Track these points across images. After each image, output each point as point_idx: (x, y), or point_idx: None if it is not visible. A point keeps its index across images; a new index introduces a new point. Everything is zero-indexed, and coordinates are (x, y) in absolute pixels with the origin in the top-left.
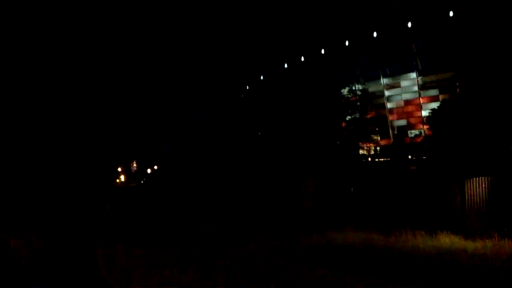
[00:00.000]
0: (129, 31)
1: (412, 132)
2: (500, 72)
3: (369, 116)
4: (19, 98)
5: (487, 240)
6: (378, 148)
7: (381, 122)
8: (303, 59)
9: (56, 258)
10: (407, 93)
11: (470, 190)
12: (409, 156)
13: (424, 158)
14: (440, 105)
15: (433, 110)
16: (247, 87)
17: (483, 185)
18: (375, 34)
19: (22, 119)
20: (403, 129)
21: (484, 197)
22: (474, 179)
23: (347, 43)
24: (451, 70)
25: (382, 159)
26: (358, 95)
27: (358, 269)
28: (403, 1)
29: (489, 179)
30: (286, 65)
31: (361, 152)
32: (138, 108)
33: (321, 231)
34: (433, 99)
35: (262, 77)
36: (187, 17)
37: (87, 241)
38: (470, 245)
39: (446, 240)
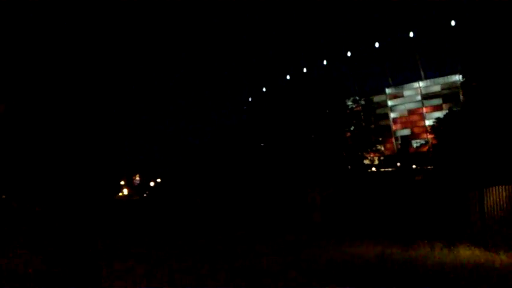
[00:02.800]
0: (134, 49)
1: (418, 142)
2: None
3: (373, 126)
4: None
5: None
6: (382, 158)
7: (384, 132)
8: (305, 70)
9: (58, 273)
10: (410, 102)
11: (490, 199)
12: (414, 166)
13: (430, 167)
14: (447, 113)
15: (438, 119)
16: (250, 99)
17: (503, 194)
18: (377, 44)
19: (21, 129)
20: (407, 139)
21: (505, 206)
22: (494, 187)
23: (349, 54)
24: (455, 78)
25: (387, 169)
26: (362, 105)
27: (378, 286)
28: (406, 11)
29: (509, 187)
30: (288, 77)
31: (365, 162)
32: (141, 121)
33: (331, 245)
34: (437, 108)
35: (264, 89)
36: (190, 27)
37: (90, 255)
38: (495, 258)
39: (467, 252)
